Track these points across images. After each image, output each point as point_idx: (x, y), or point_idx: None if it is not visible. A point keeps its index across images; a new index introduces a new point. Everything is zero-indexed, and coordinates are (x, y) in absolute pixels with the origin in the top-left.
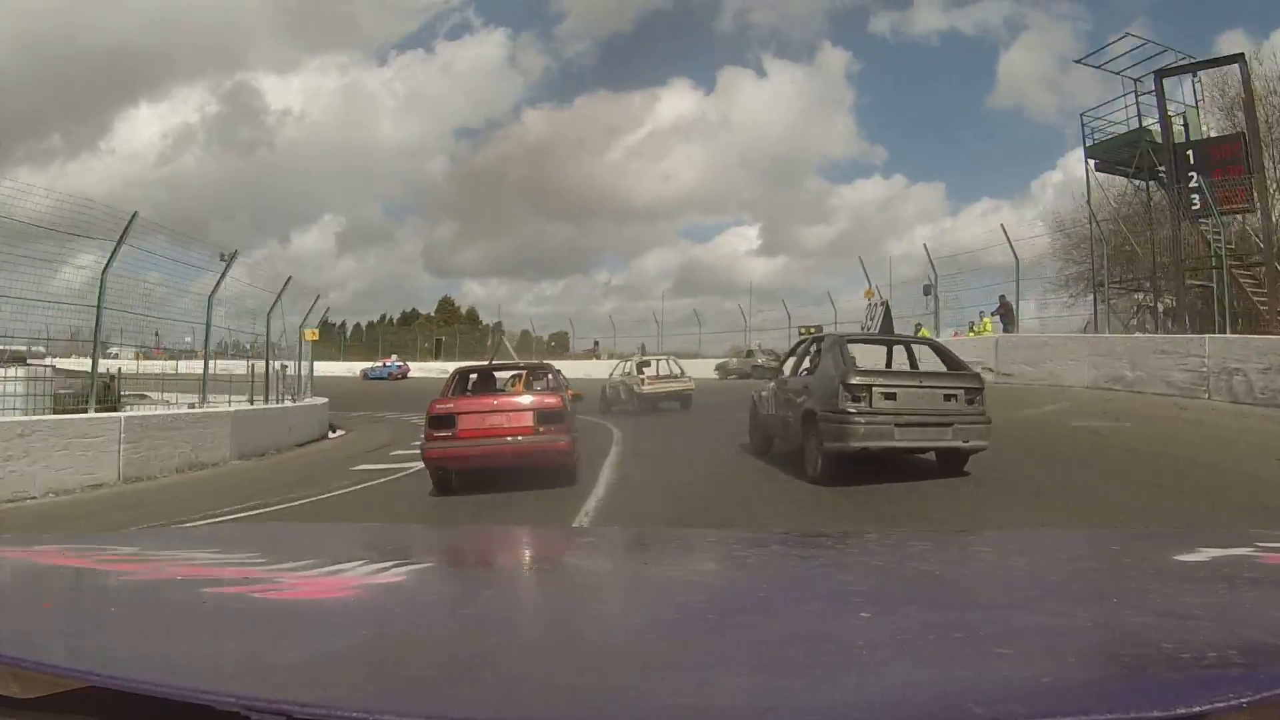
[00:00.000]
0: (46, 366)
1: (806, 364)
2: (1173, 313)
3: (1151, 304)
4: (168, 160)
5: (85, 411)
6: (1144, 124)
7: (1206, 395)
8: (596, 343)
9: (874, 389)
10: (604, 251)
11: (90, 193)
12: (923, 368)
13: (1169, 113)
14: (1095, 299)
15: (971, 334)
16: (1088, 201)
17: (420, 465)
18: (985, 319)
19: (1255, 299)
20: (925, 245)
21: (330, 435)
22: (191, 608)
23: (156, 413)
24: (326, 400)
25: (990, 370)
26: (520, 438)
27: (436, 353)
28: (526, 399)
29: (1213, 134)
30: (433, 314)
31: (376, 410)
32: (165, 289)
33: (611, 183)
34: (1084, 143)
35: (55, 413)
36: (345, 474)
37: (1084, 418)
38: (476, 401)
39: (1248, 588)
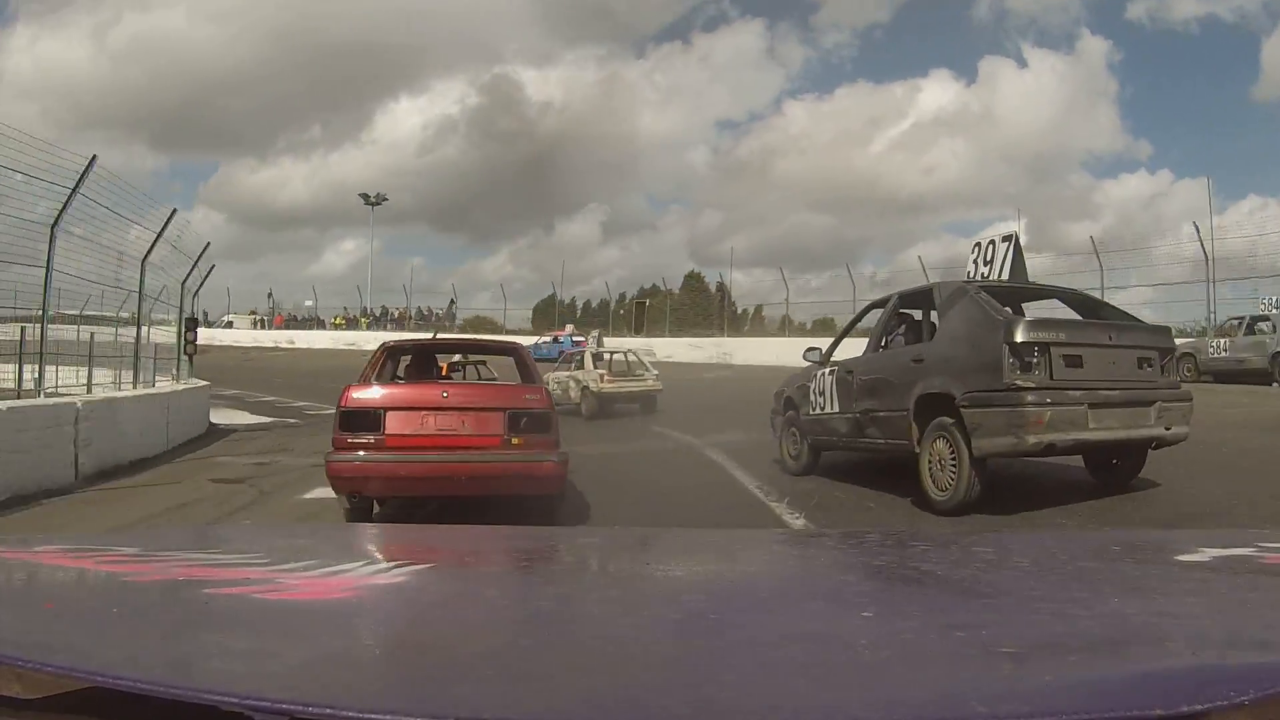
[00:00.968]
0: None
1: (898, 335)
2: None
3: None
4: (429, 150)
5: None
6: None
7: None
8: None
9: (1053, 349)
10: (868, 245)
11: (351, 182)
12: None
13: None
14: None
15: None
16: None
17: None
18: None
19: None
20: (1195, 225)
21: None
22: (193, 608)
23: None
24: (206, 384)
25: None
26: (484, 453)
27: (638, 325)
28: (496, 392)
29: None
30: (676, 290)
31: None
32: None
33: (874, 176)
34: None
35: None
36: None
37: None
38: (418, 391)
39: (1249, 587)
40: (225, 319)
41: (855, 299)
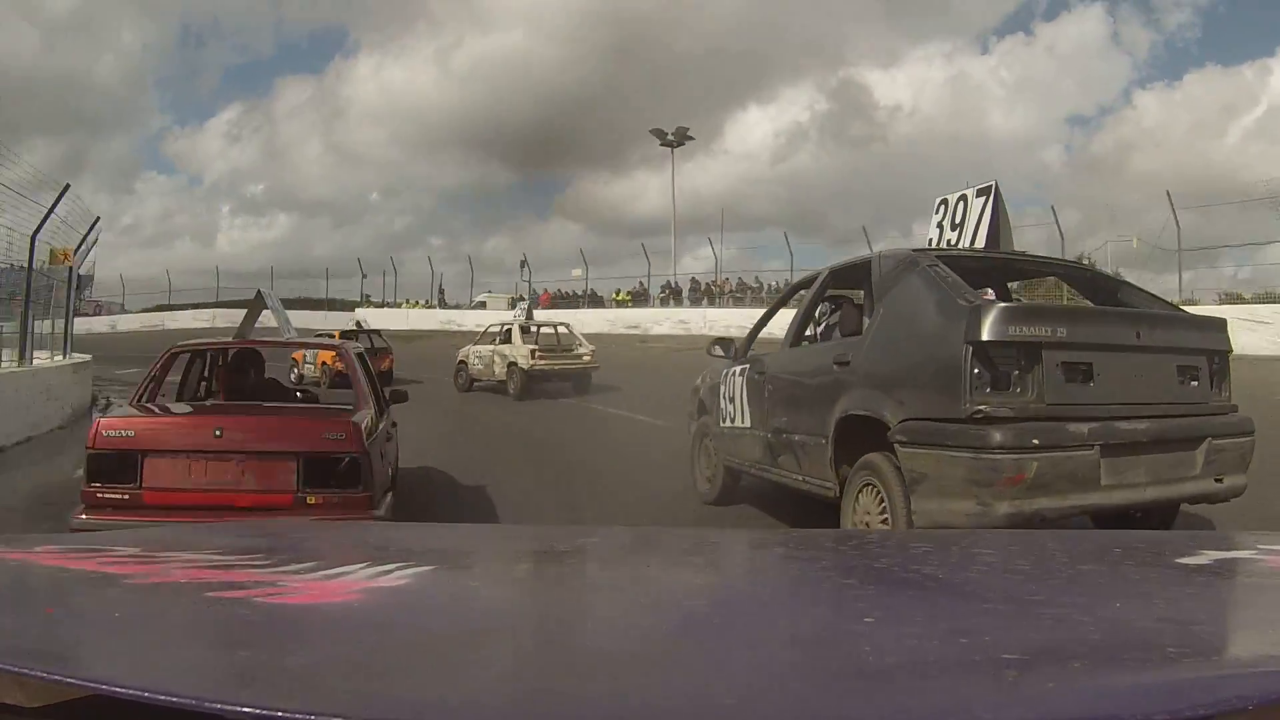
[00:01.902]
0: None
1: (829, 324)
2: None
3: None
4: (782, 158)
5: None
6: None
7: None
8: None
9: (1046, 354)
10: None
11: (706, 192)
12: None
13: None
14: None
15: None
16: None
17: None
18: None
19: None
20: None
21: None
22: (195, 612)
23: None
24: (88, 358)
25: None
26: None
27: None
28: (286, 426)
29: None
30: None
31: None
32: None
33: (1231, 168)
34: None
35: None
36: None
37: None
38: (187, 426)
39: (1251, 590)
40: (479, 299)
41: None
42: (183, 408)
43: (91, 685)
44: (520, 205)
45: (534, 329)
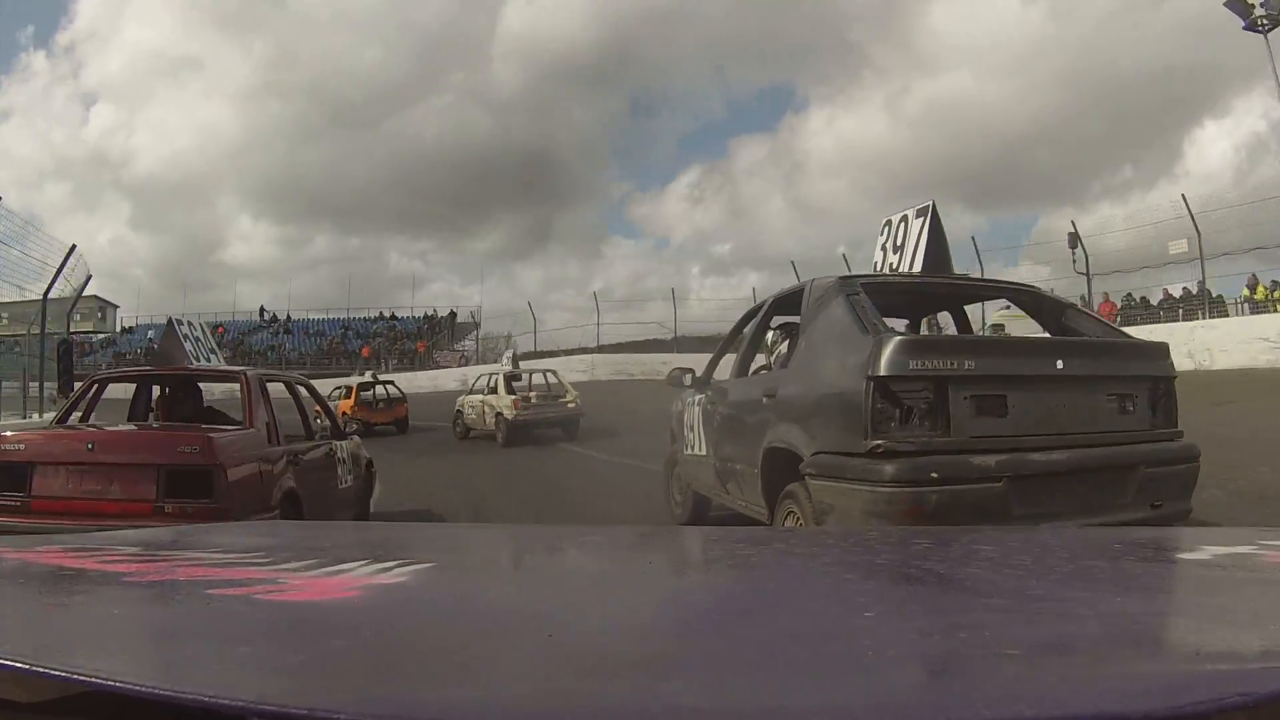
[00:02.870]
0: None
1: (781, 350)
2: None
3: None
4: (1245, 175)
5: None
6: None
7: None
8: None
9: (953, 387)
10: None
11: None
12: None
13: None
14: None
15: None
16: None
17: None
18: None
19: None
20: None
21: None
22: (195, 609)
23: None
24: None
25: None
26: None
27: None
28: (147, 440)
29: None
30: None
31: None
32: None
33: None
34: None
35: None
36: None
37: None
38: (69, 440)
39: (1252, 586)
40: None
41: None
42: (74, 427)
43: (91, 681)
44: (993, 243)
45: (525, 377)
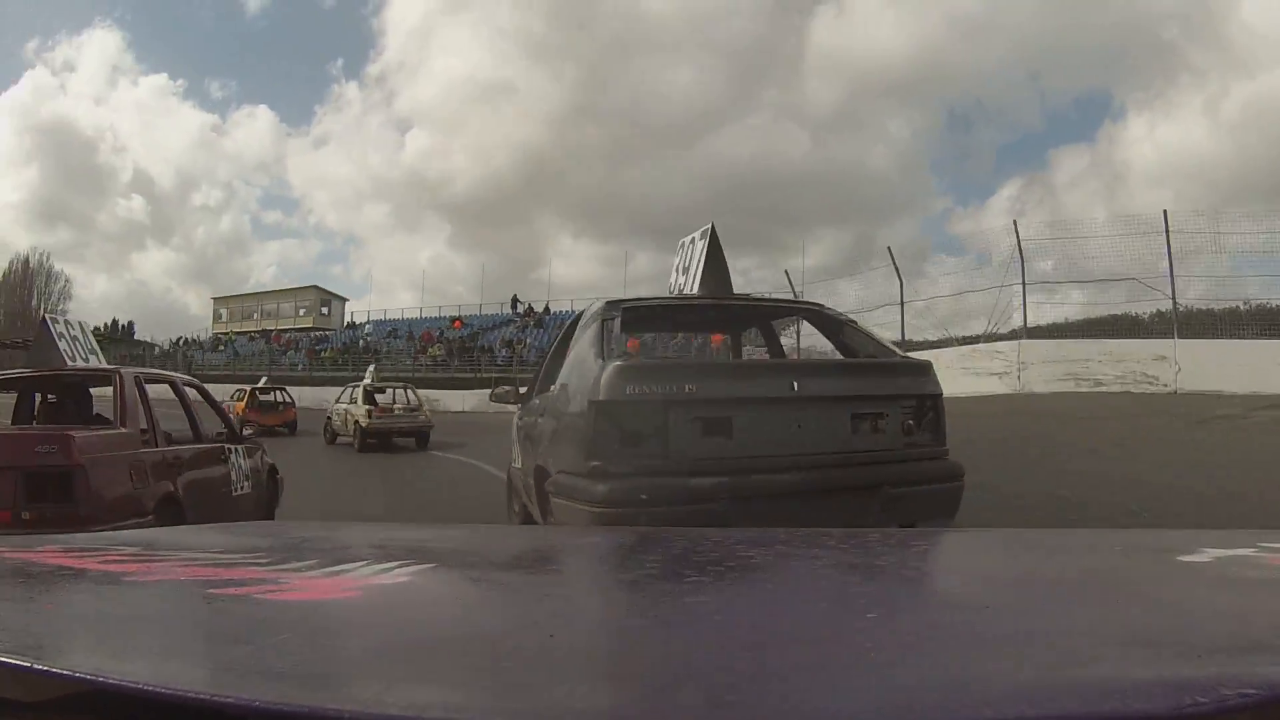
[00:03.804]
0: None
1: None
2: None
3: None
4: None
5: None
6: None
7: None
8: None
9: (675, 410)
10: None
11: None
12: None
13: None
14: None
15: None
16: None
17: None
18: None
19: None
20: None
21: None
22: (195, 609)
23: None
24: None
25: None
26: None
27: None
28: (5, 439)
29: None
30: None
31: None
32: None
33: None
34: None
35: None
36: None
37: None
38: None
39: (1253, 587)
40: None
41: None
42: None
43: (91, 680)
44: None
45: (389, 391)
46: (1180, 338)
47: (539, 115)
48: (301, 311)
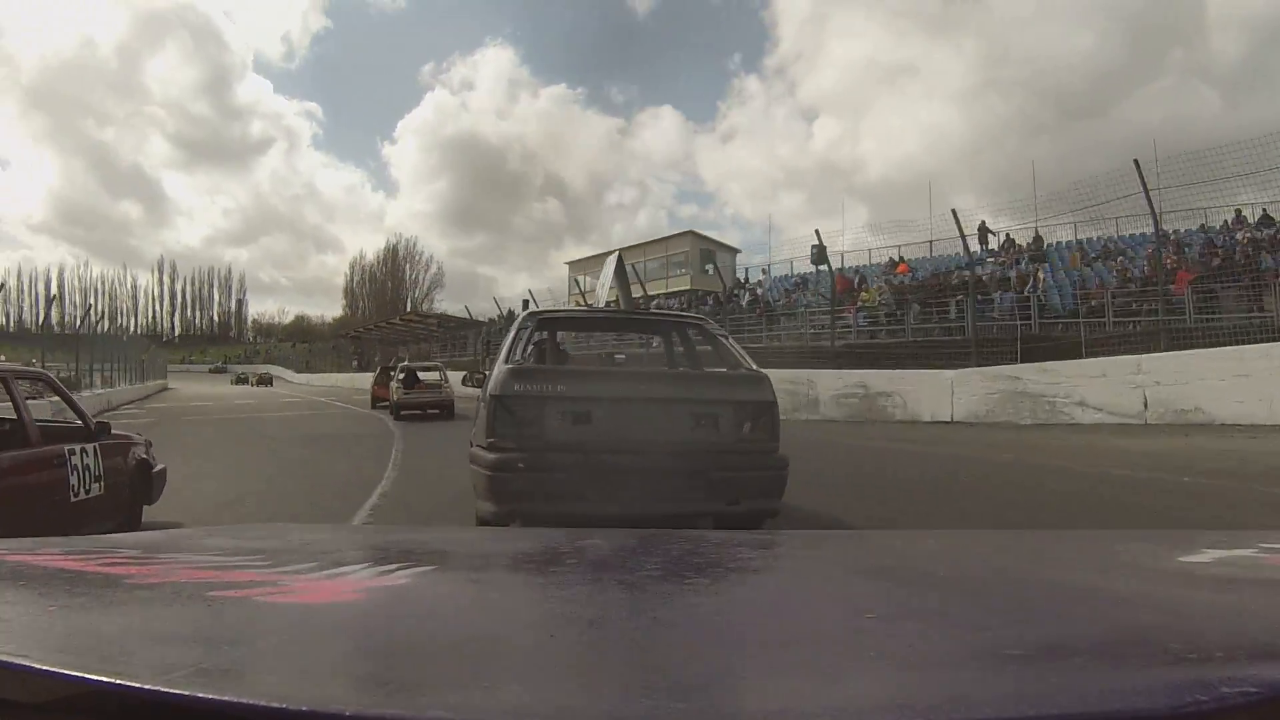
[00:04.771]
0: None
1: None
2: None
3: None
4: None
5: None
6: None
7: None
8: None
9: (549, 404)
10: None
11: None
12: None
13: None
14: None
15: None
16: None
17: None
18: None
19: None
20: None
21: None
22: (196, 611)
23: None
24: None
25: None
26: None
27: None
28: None
29: None
30: None
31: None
32: None
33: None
34: None
35: None
36: None
37: None
38: None
39: (1253, 588)
40: None
41: None
42: None
43: (92, 681)
44: None
45: (418, 373)
46: None
47: (944, 92)
48: (678, 270)
